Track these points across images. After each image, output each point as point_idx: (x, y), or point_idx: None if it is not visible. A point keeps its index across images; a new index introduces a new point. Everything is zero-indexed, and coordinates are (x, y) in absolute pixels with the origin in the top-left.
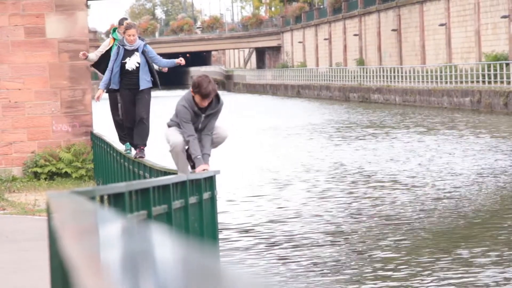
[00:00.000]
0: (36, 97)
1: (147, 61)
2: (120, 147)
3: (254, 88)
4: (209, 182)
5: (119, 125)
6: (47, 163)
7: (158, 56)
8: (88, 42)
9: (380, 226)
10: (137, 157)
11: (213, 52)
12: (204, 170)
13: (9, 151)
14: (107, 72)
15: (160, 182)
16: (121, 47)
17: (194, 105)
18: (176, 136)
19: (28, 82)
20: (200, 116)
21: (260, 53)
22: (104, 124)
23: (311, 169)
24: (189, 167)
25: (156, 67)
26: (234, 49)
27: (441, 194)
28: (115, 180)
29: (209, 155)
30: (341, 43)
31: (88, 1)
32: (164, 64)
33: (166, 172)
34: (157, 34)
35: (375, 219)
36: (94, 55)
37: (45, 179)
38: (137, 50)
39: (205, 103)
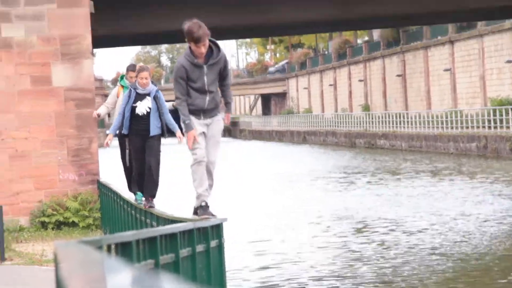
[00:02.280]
0: (42, 146)
1: (157, 107)
2: (129, 195)
3: (260, 134)
4: (216, 230)
5: (128, 172)
6: (54, 212)
7: (167, 109)
8: (94, 90)
9: (382, 270)
10: (147, 207)
11: None
12: (192, 138)
13: (16, 201)
14: (118, 117)
15: (167, 230)
16: (132, 90)
17: (194, 57)
18: (200, 146)
19: (34, 131)
20: (203, 68)
21: (266, 99)
22: (110, 172)
23: (318, 215)
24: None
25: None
26: (239, 95)
27: (456, 238)
28: (122, 229)
29: (230, 103)
30: (346, 88)
31: (94, 49)
32: (168, 121)
33: (173, 221)
34: (162, 81)
35: (379, 263)
36: (105, 108)
37: (52, 228)
38: (149, 94)
39: (202, 50)
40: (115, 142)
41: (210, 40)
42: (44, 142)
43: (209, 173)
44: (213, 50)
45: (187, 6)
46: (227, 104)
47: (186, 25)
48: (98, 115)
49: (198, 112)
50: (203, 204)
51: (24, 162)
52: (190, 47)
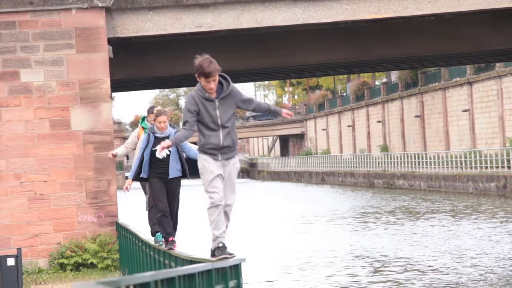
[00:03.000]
0: (61, 189)
1: (177, 150)
2: (147, 237)
3: (278, 175)
4: (235, 270)
5: (150, 216)
6: (73, 254)
7: (189, 145)
8: (112, 133)
9: None
10: (167, 249)
11: None
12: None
13: (35, 243)
14: (136, 160)
15: (185, 271)
16: (151, 134)
17: (205, 92)
18: (218, 190)
19: (53, 174)
20: (214, 102)
21: (284, 140)
22: (128, 213)
23: (333, 254)
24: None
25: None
26: (258, 137)
27: (475, 275)
28: (141, 269)
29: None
30: (364, 129)
31: (113, 93)
32: (193, 155)
33: (191, 261)
34: (181, 124)
35: None
36: (124, 148)
37: (71, 270)
38: (167, 137)
39: (211, 85)
40: (134, 184)
41: (220, 75)
42: (63, 184)
43: (226, 215)
44: (223, 84)
45: (205, 49)
46: (270, 108)
47: (197, 60)
48: (114, 155)
49: (215, 151)
50: (220, 245)
51: (43, 204)
52: (200, 84)
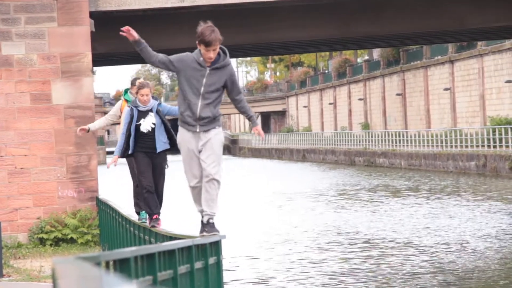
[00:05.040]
0: (42, 163)
1: (162, 121)
2: (128, 212)
3: (259, 152)
4: (215, 247)
5: (137, 192)
6: (52, 229)
7: (173, 107)
8: (93, 108)
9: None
10: (151, 226)
11: None
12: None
13: (15, 217)
14: (121, 136)
15: (165, 247)
16: (134, 108)
17: (200, 56)
18: (192, 170)
19: (33, 148)
20: (205, 69)
21: (266, 117)
22: (109, 189)
23: (314, 230)
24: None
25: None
26: (239, 113)
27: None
28: (121, 245)
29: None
30: (346, 107)
31: (94, 67)
32: (175, 112)
33: (171, 237)
34: (162, 99)
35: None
36: (105, 120)
37: (51, 245)
38: (151, 110)
39: (210, 54)
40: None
41: (220, 48)
42: (43, 159)
43: (212, 184)
44: (220, 56)
45: (188, 24)
46: (250, 118)
47: (200, 27)
48: (84, 130)
49: (192, 121)
50: (205, 222)
51: (23, 179)
52: (200, 50)
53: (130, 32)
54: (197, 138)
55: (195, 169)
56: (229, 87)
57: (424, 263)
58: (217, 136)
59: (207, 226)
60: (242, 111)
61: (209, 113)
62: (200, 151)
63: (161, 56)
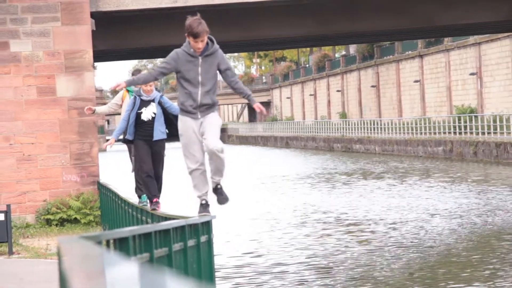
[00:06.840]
0: (47, 151)
1: (163, 112)
2: (126, 195)
3: (246, 140)
4: (206, 226)
5: (137, 177)
6: (58, 210)
7: (174, 105)
8: (95, 100)
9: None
10: (151, 209)
11: None
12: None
13: (23, 200)
14: (122, 122)
15: (161, 227)
16: (137, 97)
17: (190, 47)
18: (195, 153)
19: (40, 137)
20: (197, 59)
21: (252, 108)
22: (109, 174)
23: (295, 210)
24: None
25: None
26: (228, 104)
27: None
28: (120, 225)
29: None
30: (325, 98)
31: (95, 63)
32: (175, 111)
33: (166, 218)
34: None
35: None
36: (107, 107)
37: (56, 225)
38: (153, 100)
39: (199, 45)
40: (115, 146)
41: (208, 37)
42: (49, 146)
43: (218, 160)
44: (209, 44)
45: (180, 23)
46: (249, 97)
47: (188, 20)
48: (91, 110)
49: (193, 109)
50: (203, 202)
51: (30, 164)
52: (189, 42)
53: (119, 85)
54: (199, 123)
55: (198, 152)
56: (223, 68)
57: (392, 238)
58: (216, 118)
59: (203, 206)
60: (240, 91)
61: (209, 99)
62: (202, 135)
63: (156, 70)
